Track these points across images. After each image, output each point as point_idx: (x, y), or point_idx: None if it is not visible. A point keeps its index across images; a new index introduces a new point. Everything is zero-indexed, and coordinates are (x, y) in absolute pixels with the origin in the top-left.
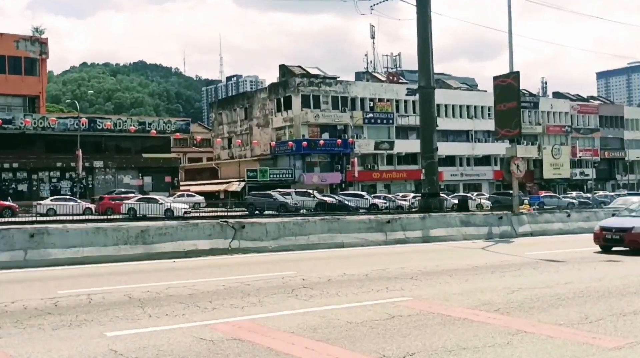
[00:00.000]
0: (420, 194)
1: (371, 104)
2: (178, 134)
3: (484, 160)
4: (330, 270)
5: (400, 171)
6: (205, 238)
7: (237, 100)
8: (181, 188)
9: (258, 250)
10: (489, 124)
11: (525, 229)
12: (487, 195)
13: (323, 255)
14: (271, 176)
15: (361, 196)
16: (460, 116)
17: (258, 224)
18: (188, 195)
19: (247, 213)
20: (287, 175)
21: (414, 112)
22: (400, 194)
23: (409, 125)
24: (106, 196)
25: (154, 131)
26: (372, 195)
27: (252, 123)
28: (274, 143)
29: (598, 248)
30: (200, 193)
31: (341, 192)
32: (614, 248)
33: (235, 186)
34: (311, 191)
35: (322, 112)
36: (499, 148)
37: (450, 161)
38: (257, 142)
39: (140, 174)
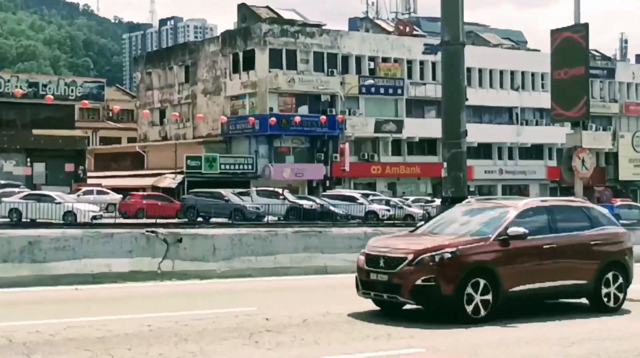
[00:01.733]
0: (439, 199)
1: (372, 66)
2: (86, 101)
3: (534, 151)
4: (307, 306)
5: (412, 164)
6: (123, 256)
7: (174, 54)
8: (89, 180)
9: (201, 275)
10: (543, 100)
11: None
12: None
13: (296, 283)
14: (222, 167)
15: (354, 200)
16: (501, 87)
17: (202, 237)
18: (99, 192)
19: (185, 220)
20: (245, 166)
21: (434, 78)
22: (411, 198)
23: (425, 98)
24: (136, 193)
25: (51, 97)
26: (370, 198)
27: (195, 89)
28: (226, 118)
29: None
30: (117, 190)
31: (324, 193)
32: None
33: (170, 181)
34: (280, 191)
35: (300, 75)
36: (557, 135)
37: (485, 151)
38: (202, 117)
39: (28, 160)
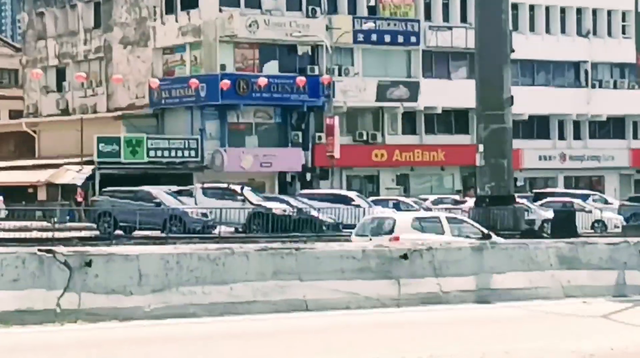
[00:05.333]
0: (472, 199)
1: (372, 2)
2: None
3: (612, 127)
4: None
5: (432, 146)
6: (4, 287)
7: None
8: None
9: (121, 315)
10: (625, 50)
11: None
12: (616, 203)
13: (262, 327)
14: (152, 153)
15: (347, 201)
16: (563, 32)
17: (121, 258)
18: None
19: (97, 233)
20: (186, 152)
21: (464, 20)
22: (431, 197)
23: (451, 49)
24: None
25: None
26: (371, 198)
27: (110, 37)
28: (157, 81)
29: None
30: None
31: (304, 191)
32: None
33: (73, 175)
34: (238, 189)
35: (266, 16)
36: None
37: (540, 127)
38: (120, 79)
39: None
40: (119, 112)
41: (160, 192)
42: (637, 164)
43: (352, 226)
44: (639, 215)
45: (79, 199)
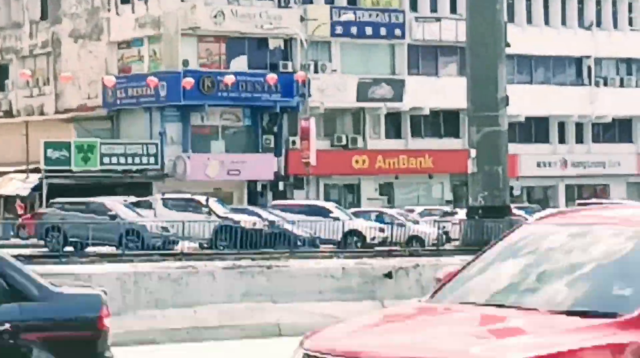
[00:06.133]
0: (464, 211)
1: None
2: None
3: (619, 129)
4: None
5: (419, 152)
6: None
7: None
8: None
9: None
10: (632, 45)
11: None
12: None
13: (230, 356)
14: (106, 160)
15: (324, 213)
16: (563, 23)
17: (71, 278)
18: None
19: (45, 250)
20: (144, 159)
21: (453, 11)
22: (418, 208)
23: (440, 43)
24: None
25: None
26: (351, 210)
27: (59, 30)
28: (113, 79)
29: None
30: None
31: (276, 202)
32: None
33: (18, 185)
34: (202, 199)
35: (233, 6)
36: None
37: (538, 130)
38: (70, 77)
39: None
40: (69, 114)
41: (115, 204)
42: None
43: (330, 241)
44: None
45: (20, 211)
